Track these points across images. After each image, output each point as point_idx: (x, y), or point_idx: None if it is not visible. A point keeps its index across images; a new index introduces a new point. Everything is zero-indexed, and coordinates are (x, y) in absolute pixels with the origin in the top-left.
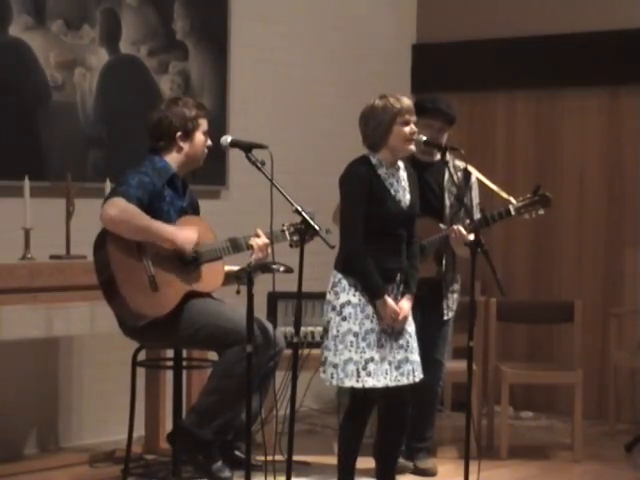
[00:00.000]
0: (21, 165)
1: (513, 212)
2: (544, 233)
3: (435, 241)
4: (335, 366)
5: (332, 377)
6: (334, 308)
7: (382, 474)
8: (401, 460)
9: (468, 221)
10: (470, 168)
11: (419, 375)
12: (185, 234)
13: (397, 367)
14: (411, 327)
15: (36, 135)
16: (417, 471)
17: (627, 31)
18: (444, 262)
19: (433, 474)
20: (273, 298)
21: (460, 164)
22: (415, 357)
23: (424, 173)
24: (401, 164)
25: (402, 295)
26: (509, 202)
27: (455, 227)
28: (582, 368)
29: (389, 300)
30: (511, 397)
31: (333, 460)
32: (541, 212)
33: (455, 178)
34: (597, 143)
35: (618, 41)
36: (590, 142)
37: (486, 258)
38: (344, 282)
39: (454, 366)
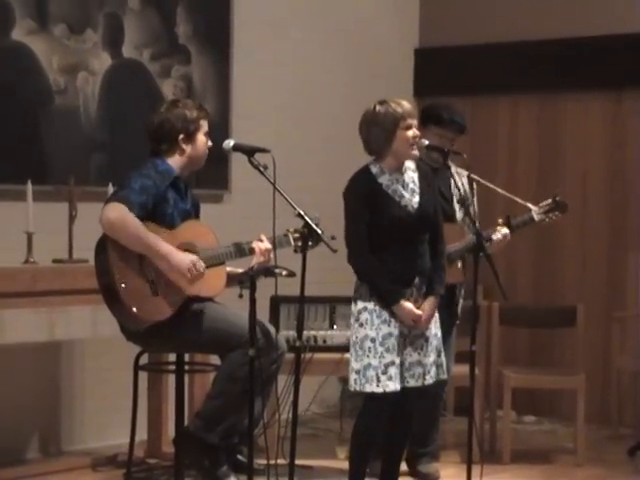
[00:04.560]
0: (24, 169)
1: (537, 218)
2: (547, 237)
3: (463, 248)
4: (357, 372)
5: (355, 383)
6: (353, 315)
7: (385, 475)
8: None
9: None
10: (473, 175)
11: (430, 379)
12: (180, 257)
13: (407, 369)
14: (429, 330)
15: (39, 139)
16: (420, 475)
17: (630, 35)
18: (462, 268)
19: (435, 479)
20: (276, 302)
21: (463, 171)
22: (428, 360)
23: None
24: (411, 164)
25: (425, 297)
26: (527, 208)
27: (504, 231)
28: (585, 372)
29: (406, 304)
30: (514, 401)
31: (336, 464)
32: (557, 217)
33: (460, 184)
34: (600, 147)
35: (621, 45)
36: (593, 146)
37: (489, 262)
38: (361, 289)
39: (456, 370)
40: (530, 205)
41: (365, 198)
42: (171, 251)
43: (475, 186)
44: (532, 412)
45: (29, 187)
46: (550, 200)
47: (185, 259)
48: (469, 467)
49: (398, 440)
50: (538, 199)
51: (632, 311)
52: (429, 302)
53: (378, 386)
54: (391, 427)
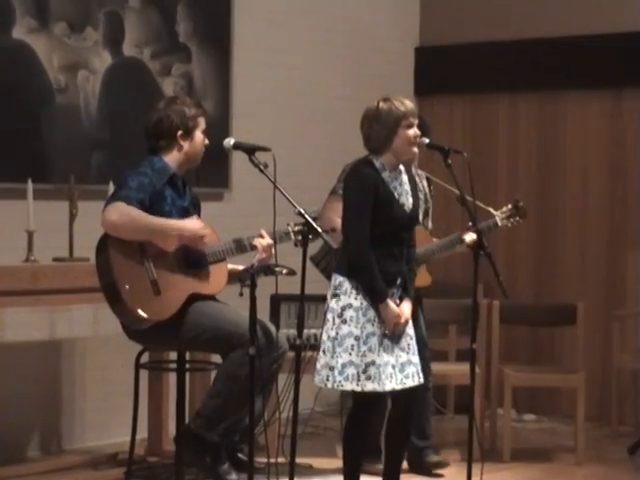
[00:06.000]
0: (24, 167)
1: (500, 224)
2: (547, 235)
3: (430, 251)
4: (331, 369)
5: (327, 379)
6: (334, 310)
7: (387, 475)
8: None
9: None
10: (431, 177)
11: (422, 377)
12: (191, 222)
13: (401, 370)
14: (411, 330)
15: (39, 137)
16: (429, 466)
17: (630, 34)
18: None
19: (446, 464)
20: (276, 300)
21: (422, 173)
22: (417, 359)
23: None
24: (402, 167)
25: (401, 299)
26: (489, 212)
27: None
28: (585, 370)
29: (392, 304)
30: (514, 400)
31: (336, 463)
32: (517, 222)
33: (420, 186)
34: (600, 146)
35: (621, 44)
36: (593, 145)
37: (489, 260)
38: (346, 285)
39: (457, 369)
40: (492, 210)
41: (372, 189)
42: (180, 222)
43: (432, 188)
44: (532, 410)
45: (29, 185)
46: (510, 205)
47: (195, 222)
48: (469, 465)
49: (399, 440)
50: (538, 198)
51: (632, 309)
52: (406, 304)
53: (357, 385)
54: (392, 427)
